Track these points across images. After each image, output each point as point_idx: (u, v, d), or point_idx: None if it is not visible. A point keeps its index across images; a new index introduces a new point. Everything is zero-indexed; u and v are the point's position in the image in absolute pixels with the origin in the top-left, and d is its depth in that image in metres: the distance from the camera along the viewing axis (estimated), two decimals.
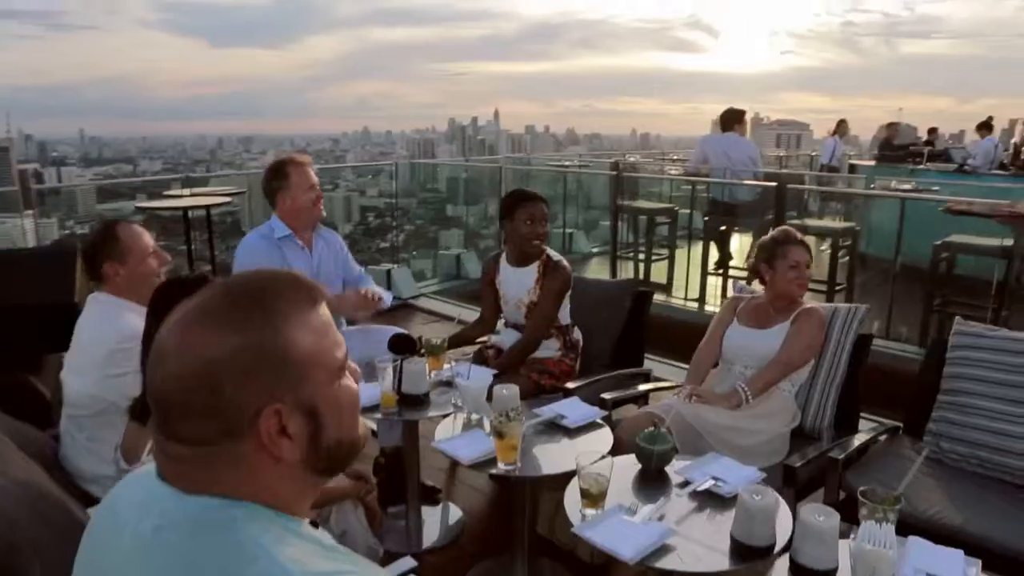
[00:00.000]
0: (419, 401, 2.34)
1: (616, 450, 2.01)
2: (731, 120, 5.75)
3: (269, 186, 2.86)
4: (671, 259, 6.07)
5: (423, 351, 2.48)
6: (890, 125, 9.11)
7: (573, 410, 2.26)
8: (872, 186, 5.27)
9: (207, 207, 3.73)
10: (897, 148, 8.67)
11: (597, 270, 7.24)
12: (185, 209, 3.60)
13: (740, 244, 5.98)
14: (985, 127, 8.67)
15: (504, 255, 2.91)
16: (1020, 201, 2.95)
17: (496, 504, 2.89)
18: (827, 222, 5.43)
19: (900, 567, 1.42)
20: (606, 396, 2.51)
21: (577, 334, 2.91)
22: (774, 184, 5.02)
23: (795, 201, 5.75)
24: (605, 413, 2.26)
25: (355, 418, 0.84)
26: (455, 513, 2.81)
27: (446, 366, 2.59)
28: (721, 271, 5.97)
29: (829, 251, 5.21)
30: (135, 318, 1.96)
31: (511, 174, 7.35)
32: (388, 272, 5.69)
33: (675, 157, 9.80)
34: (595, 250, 8.04)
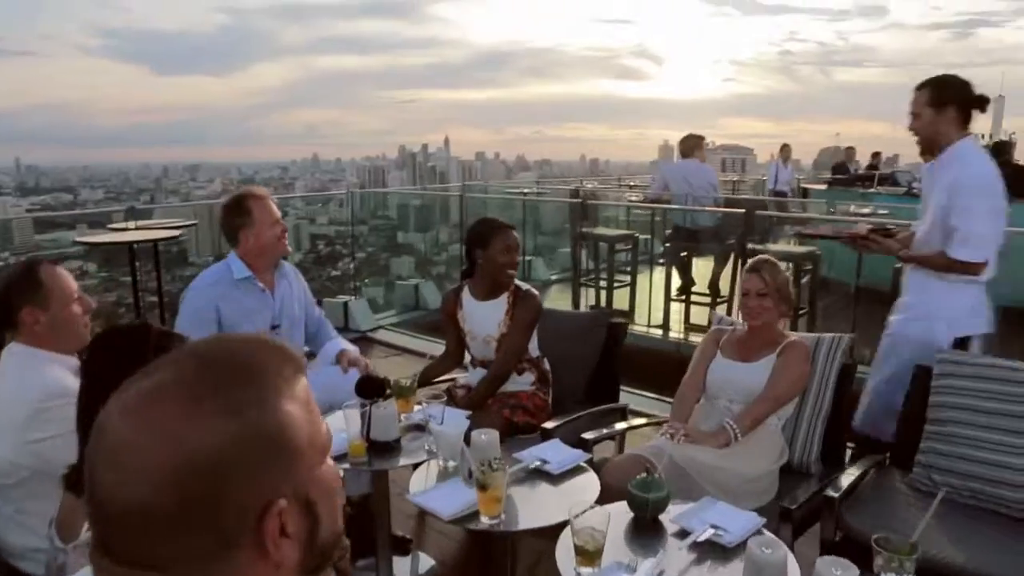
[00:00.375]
0: (390, 448, 2.18)
1: (602, 496, 1.88)
2: (691, 147, 5.76)
3: (230, 223, 2.63)
4: (633, 285, 6.02)
5: (390, 393, 2.33)
6: (848, 149, 9.30)
7: (555, 453, 2.12)
8: (832, 211, 5.32)
9: (154, 241, 3.45)
10: (845, 172, 8.86)
11: (557, 297, 7.15)
12: (131, 243, 3.35)
13: (700, 269, 5.97)
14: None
15: (467, 288, 2.77)
16: (858, 224, 3.10)
17: (470, 552, 2.73)
18: (788, 247, 5.45)
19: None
20: (587, 436, 2.39)
21: (546, 365, 2.79)
22: (741, 211, 5.01)
23: (756, 227, 5.76)
24: (588, 456, 2.13)
25: (339, 503, 0.70)
26: (427, 563, 2.64)
27: (416, 407, 2.45)
28: (683, 297, 5.95)
29: (791, 275, 5.22)
30: (60, 371, 1.76)
31: (470, 201, 7.24)
32: (345, 305, 5.49)
33: (632, 183, 9.85)
34: (554, 277, 7.96)
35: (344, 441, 2.16)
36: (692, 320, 5.85)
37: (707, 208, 5.48)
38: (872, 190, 7.37)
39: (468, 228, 2.69)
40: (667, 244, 5.87)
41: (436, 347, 5.04)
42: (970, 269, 2.44)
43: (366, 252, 8.13)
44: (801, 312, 5.29)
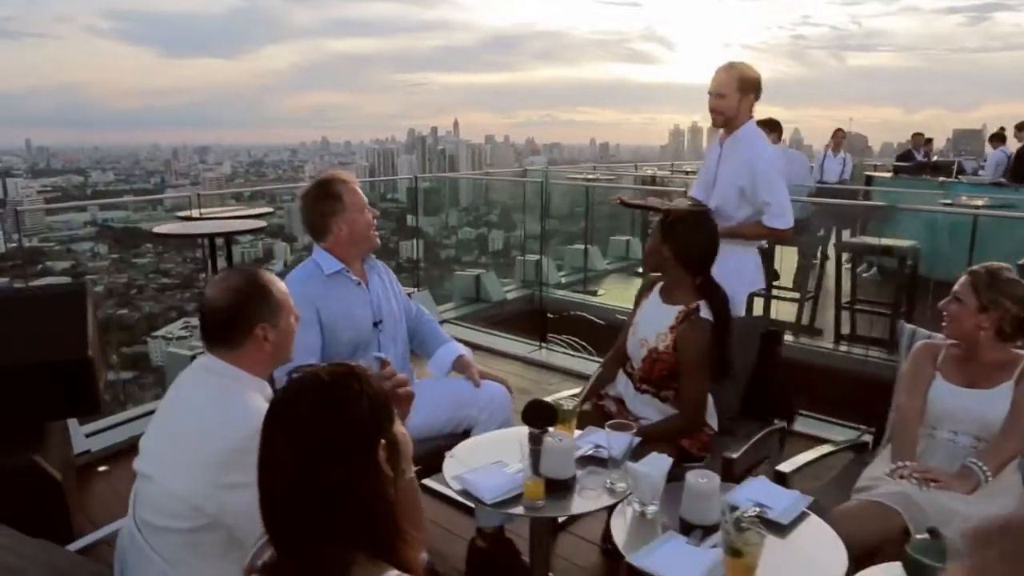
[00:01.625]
0: (566, 487, 1.83)
1: None
2: (776, 130, 5.35)
3: (319, 212, 2.31)
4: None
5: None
6: (915, 136, 8.79)
7: (771, 496, 1.77)
8: (943, 201, 4.92)
9: (234, 233, 3.05)
10: (911, 160, 8.39)
11: (614, 289, 6.81)
12: (211, 236, 2.98)
13: (783, 261, 5.57)
14: (998, 138, 8.47)
15: (661, 286, 2.40)
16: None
17: None
18: (888, 240, 5.04)
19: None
20: (784, 469, 2.04)
21: (711, 406, 2.42)
22: (836, 201, 4.61)
23: (846, 219, 5.37)
24: (810, 499, 1.77)
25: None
26: None
27: (576, 432, 2.10)
28: (764, 290, 5.56)
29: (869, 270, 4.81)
30: (262, 402, 1.45)
31: (530, 187, 6.86)
32: (409, 296, 5.13)
33: (688, 170, 9.44)
34: (610, 266, 7.60)
35: (514, 480, 1.81)
36: (775, 315, 5.47)
37: (801, 199, 5.07)
38: (953, 180, 6.95)
39: (670, 223, 2.29)
40: None
41: (504, 343, 4.77)
42: (783, 235, 2.99)
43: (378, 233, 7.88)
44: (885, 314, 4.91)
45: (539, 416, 1.89)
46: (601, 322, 5.15)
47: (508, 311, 6.15)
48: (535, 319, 5.74)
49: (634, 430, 1.83)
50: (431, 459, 2.30)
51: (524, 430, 2.02)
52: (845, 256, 5.22)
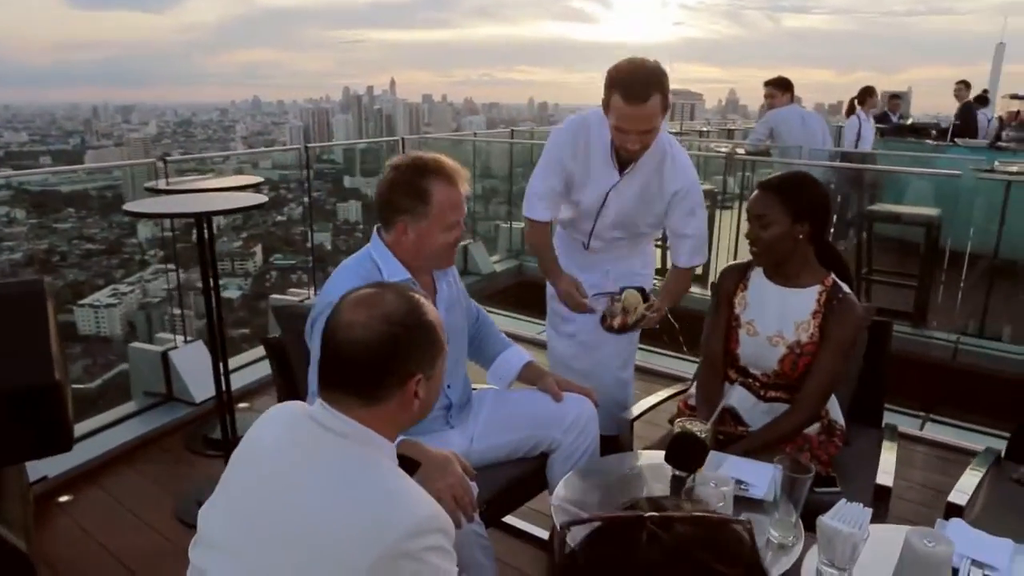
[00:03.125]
0: None
1: None
2: (789, 89, 4.97)
3: (393, 202, 1.72)
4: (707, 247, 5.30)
5: None
6: (893, 97, 8.54)
7: (985, 549, 1.39)
8: (976, 168, 4.64)
9: (232, 212, 2.39)
10: (887, 122, 8.16)
11: None
12: (202, 215, 2.33)
13: None
14: (981, 101, 8.35)
15: (764, 268, 1.99)
16: None
17: None
18: (913, 208, 4.76)
19: None
20: (956, 500, 1.67)
21: (837, 412, 2.05)
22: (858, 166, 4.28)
23: (862, 186, 5.07)
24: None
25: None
26: None
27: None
28: None
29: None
30: (420, 490, 1.02)
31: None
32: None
33: (704, 129, 9.01)
34: None
35: None
36: None
37: (822, 163, 4.74)
38: (948, 143, 6.74)
39: (799, 185, 1.89)
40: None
41: (507, 323, 4.32)
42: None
43: (309, 197, 7.67)
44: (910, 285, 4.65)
45: (689, 455, 1.46)
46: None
47: (499, 284, 5.69)
48: (529, 292, 5.28)
49: (811, 471, 1.42)
50: (506, 495, 1.88)
51: (646, 461, 1.62)
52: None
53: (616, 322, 2.16)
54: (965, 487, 1.77)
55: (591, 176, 2.25)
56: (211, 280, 2.52)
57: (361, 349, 1.04)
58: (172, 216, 2.69)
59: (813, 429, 1.94)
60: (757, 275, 2.01)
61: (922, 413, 3.25)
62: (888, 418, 3.13)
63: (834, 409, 2.03)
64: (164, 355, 3.17)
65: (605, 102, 2.05)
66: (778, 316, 1.93)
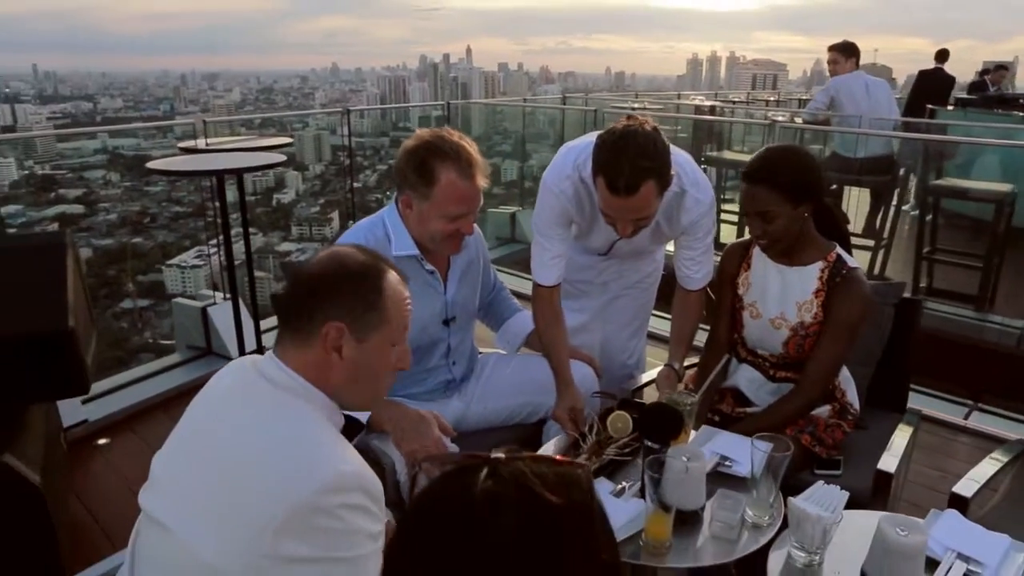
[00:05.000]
0: (694, 519, 1.39)
1: None
2: (854, 54, 4.70)
3: (403, 174, 1.69)
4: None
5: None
6: (998, 68, 7.95)
7: (974, 543, 1.31)
8: None
9: (245, 170, 2.48)
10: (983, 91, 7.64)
11: None
12: (219, 173, 2.43)
13: (859, 204, 5.01)
14: None
15: (765, 247, 1.86)
16: None
17: None
18: (983, 184, 4.46)
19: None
20: (961, 492, 1.58)
21: (851, 394, 1.94)
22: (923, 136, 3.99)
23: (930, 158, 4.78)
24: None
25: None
26: None
27: (692, 433, 1.66)
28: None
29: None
30: (347, 448, 1.01)
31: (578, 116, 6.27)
32: None
33: (772, 99, 8.71)
34: None
35: (629, 510, 1.38)
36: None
37: (883, 133, 4.49)
38: None
39: (787, 167, 1.73)
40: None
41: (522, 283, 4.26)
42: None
43: (387, 164, 7.64)
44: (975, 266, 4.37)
45: (662, 427, 1.43)
46: (665, 271, 4.66)
47: None
48: None
49: (790, 449, 1.37)
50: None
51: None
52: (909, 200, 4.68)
53: (583, 455, 1.60)
54: (977, 476, 1.67)
55: (598, 225, 1.96)
56: (227, 235, 2.58)
57: (302, 277, 1.07)
58: (186, 174, 2.76)
59: (823, 411, 1.86)
60: (759, 255, 1.90)
61: (970, 402, 3.08)
62: (930, 405, 3.02)
63: (850, 391, 1.94)
64: (204, 311, 3.29)
65: (592, 175, 1.71)
66: (779, 297, 1.83)
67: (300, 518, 0.89)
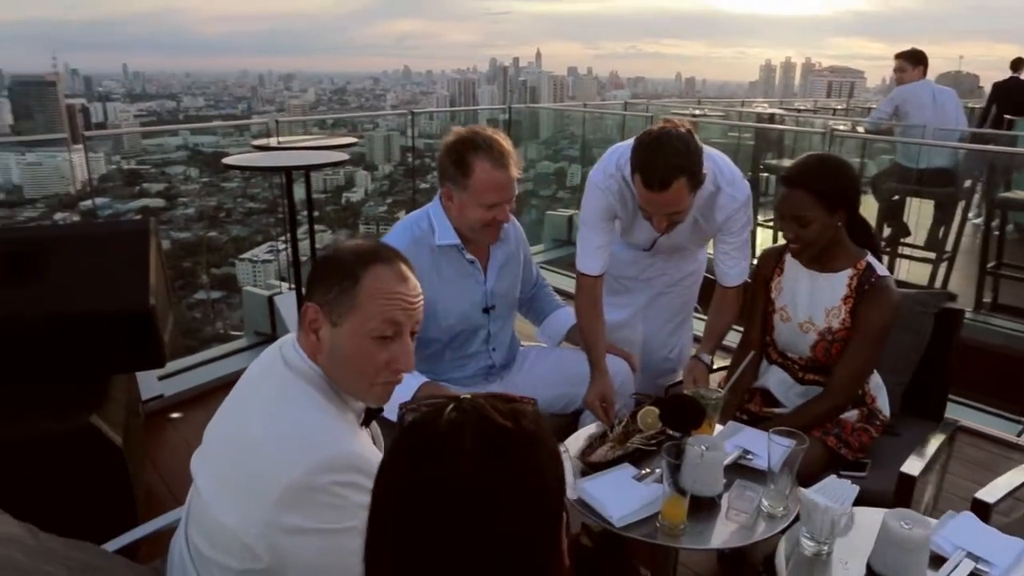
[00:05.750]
0: (711, 505, 1.47)
1: None
2: (921, 63, 4.63)
3: (444, 168, 1.84)
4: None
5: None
6: None
7: (985, 544, 1.35)
8: None
9: (311, 167, 2.68)
10: None
11: None
12: (287, 169, 2.64)
13: (919, 216, 4.91)
14: None
15: (796, 253, 1.90)
16: None
17: None
18: None
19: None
20: (984, 497, 1.61)
21: (881, 400, 1.97)
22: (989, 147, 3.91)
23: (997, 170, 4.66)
24: None
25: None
26: None
27: (718, 428, 1.73)
28: (888, 249, 4.96)
29: None
30: (347, 428, 1.12)
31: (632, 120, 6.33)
32: None
33: (840, 107, 8.58)
34: None
35: (647, 494, 1.46)
36: (904, 278, 4.87)
37: (947, 144, 4.41)
38: None
39: (826, 173, 1.78)
40: (879, 184, 4.84)
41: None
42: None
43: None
44: None
45: (683, 417, 1.51)
46: (710, 276, 4.67)
47: None
48: None
49: (805, 442, 1.43)
50: None
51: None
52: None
53: (601, 452, 1.66)
54: (1003, 484, 1.69)
55: (639, 221, 2.07)
56: (292, 228, 2.76)
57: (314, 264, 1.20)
58: (256, 169, 2.97)
59: (851, 415, 1.90)
60: (792, 259, 1.95)
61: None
62: (983, 420, 2.99)
63: (881, 397, 1.97)
64: (270, 299, 3.50)
65: (631, 174, 1.84)
66: (808, 302, 1.88)
67: (296, 494, 1.00)
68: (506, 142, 1.83)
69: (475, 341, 1.99)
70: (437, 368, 1.97)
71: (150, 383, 2.91)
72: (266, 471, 1.01)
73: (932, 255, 4.61)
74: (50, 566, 1.08)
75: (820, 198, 1.76)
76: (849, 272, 1.83)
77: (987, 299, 4.53)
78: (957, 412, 2.68)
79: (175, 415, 2.94)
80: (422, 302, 1.18)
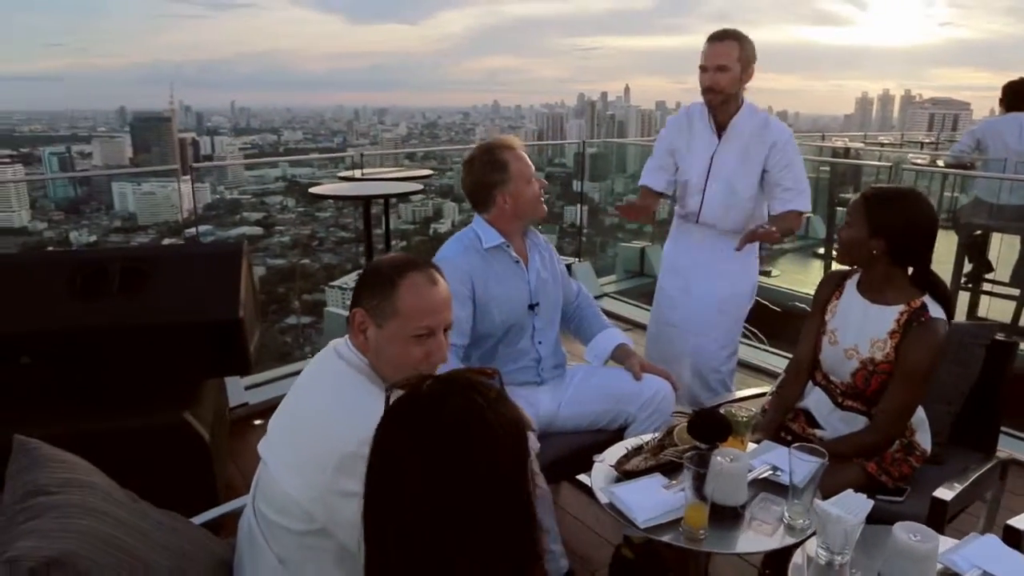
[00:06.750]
0: (734, 515, 1.55)
1: None
2: (1020, 97, 4.47)
3: (484, 182, 2.12)
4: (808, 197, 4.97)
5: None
6: None
7: (1004, 564, 1.39)
8: None
9: (389, 196, 2.95)
10: None
11: (792, 269, 6.23)
12: (367, 198, 2.90)
13: (1001, 251, 4.77)
14: None
15: (856, 278, 2.01)
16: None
17: None
18: None
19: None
20: (1016, 525, 1.62)
21: (922, 434, 2.00)
22: None
23: None
24: None
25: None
26: None
27: (751, 446, 1.81)
28: (970, 285, 4.81)
29: None
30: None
31: None
32: (568, 268, 4.92)
33: (925, 140, 8.40)
34: (787, 245, 6.96)
35: (673, 501, 1.56)
36: (983, 313, 4.72)
37: (1014, 176, 4.26)
38: None
39: (877, 206, 1.87)
40: (960, 219, 4.73)
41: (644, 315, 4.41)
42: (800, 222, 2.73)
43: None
44: None
45: (709, 430, 1.61)
46: (776, 308, 4.66)
47: None
48: None
49: (825, 456, 1.51)
50: (580, 456, 2.10)
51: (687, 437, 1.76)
52: None
53: (635, 462, 1.76)
54: None
55: (693, 147, 2.69)
56: (368, 253, 3.00)
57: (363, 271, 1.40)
58: (337, 197, 3.22)
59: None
60: (851, 286, 2.02)
61: None
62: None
63: (921, 431, 1.99)
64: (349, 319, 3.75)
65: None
66: (858, 330, 1.94)
67: (350, 462, 1.16)
68: (506, 137, 2.19)
69: (523, 337, 2.20)
70: (491, 363, 2.18)
71: (238, 391, 3.18)
72: (326, 443, 1.20)
73: (1016, 291, 4.46)
74: (145, 523, 1.29)
75: (867, 214, 1.87)
76: (901, 307, 1.88)
77: None
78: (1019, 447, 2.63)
79: (258, 422, 3.19)
80: (451, 302, 1.38)
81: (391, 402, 0.89)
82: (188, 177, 4.23)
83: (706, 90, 2.56)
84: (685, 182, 2.74)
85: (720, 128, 2.63)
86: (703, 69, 2.54)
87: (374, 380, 1.32)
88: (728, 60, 2.49)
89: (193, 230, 4.15)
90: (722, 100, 2.57)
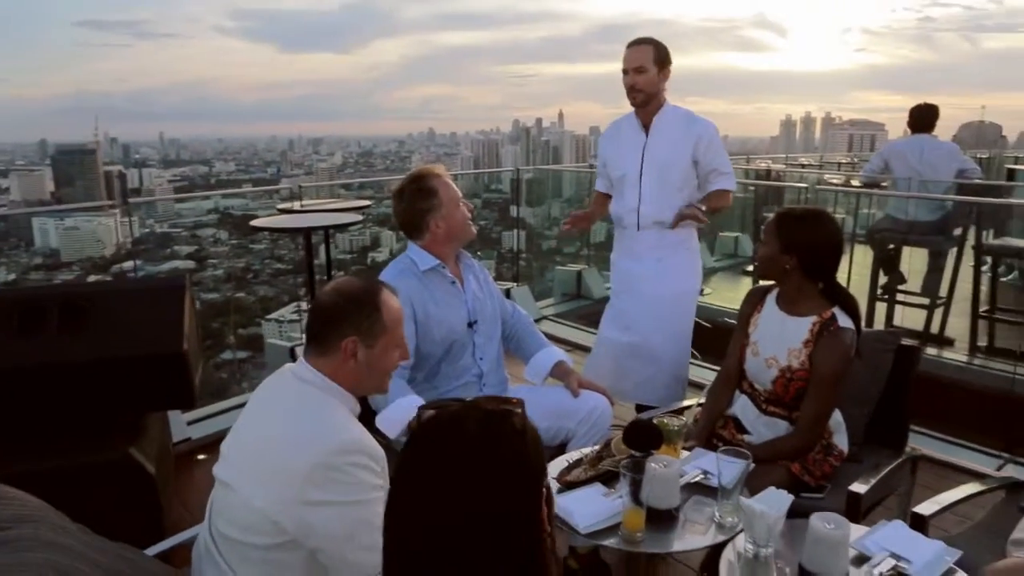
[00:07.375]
0: (668, 518, 1.66)
1: None
2: (928, 118, 4.81)
3: (415, 210, 2.24)
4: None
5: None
6: None
7: (909, 546, 1.53)
8: None
9: (330, 227, 3.01)
10: None
11: (720, 287, 6.48)
12: (307, 229, 2.95)
13: (912, 263, 5.09)
14: None
15: (776, 292, 2.18)
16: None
17: None
18: None
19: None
20: (922, 511, 1.78)
21: (839, 437, 2.16)
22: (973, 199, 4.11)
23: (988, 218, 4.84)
24: (958, 554, 1.52)
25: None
26: None
27: (684, 454, 1.92)
28: (886, 296, 5.12)
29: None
30: (352, 419, 1.40)
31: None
32: (507, 292, 5.03)
33: (843, 160, 8.84)
34: (717, 264, 7.24)
35: (612, 507, 1.66)
36: (898, 322, 5.02)
37: (931, 196, 4.60)
38: None
39: (787, 226, 2.07)
40: (874, 235, 5.04)
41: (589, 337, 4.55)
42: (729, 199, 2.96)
43: (479, 225, 7.94)
44: None
45: (643, 439, 1.71)
46: (707, 324, 4.85)
47: None
48: None
49: (749, 458, 1.63)
50: None
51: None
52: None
53: (576, 473, 1.84)
54: (940, 500, 1.86)
55: (625, 148, 2.92)
56: (311, 286, 3.04)
57: (316, 307, 1.48)
58: (278, 230, 3.27)
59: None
60: (771, 300, 2.18)
61: (1005, 454, 3.14)
62: (964, 456, 3.11)
63: (839, 433, 2.15)
64: (291, 350, 3.76)
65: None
66: (776, 340, 2.10)
67: (319, 472, 1.26)
68: (426, 166, 2.31)
69: (464, 354, 2.29)
70: (435, 381, 2.27)
71: (180, 426, 3.16)
72: (296, 455, 1.27)
73: (927, 301, 4.77)
74: (101, 556, 1.31)
75: (779, 232, 2.06)
76: (813, 318, 2.05)
77: (983, 343, 4.66)
78: (934, 446, 2.83)
79: (201, 456, 3.17)
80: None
81: (422, 420, 0.93)
82: (116, 211, 4.15)
83: (629, 90, 2.79)
84: (621, 177, 2.93)
85: (647, 127, 2.87)
86: (625, 72, 2.79)
87: (337, 396, 1.41)
88: (645, 62, 2.75)
89: (120, 266, 4.07)
90: (644, 99, 2.80)
